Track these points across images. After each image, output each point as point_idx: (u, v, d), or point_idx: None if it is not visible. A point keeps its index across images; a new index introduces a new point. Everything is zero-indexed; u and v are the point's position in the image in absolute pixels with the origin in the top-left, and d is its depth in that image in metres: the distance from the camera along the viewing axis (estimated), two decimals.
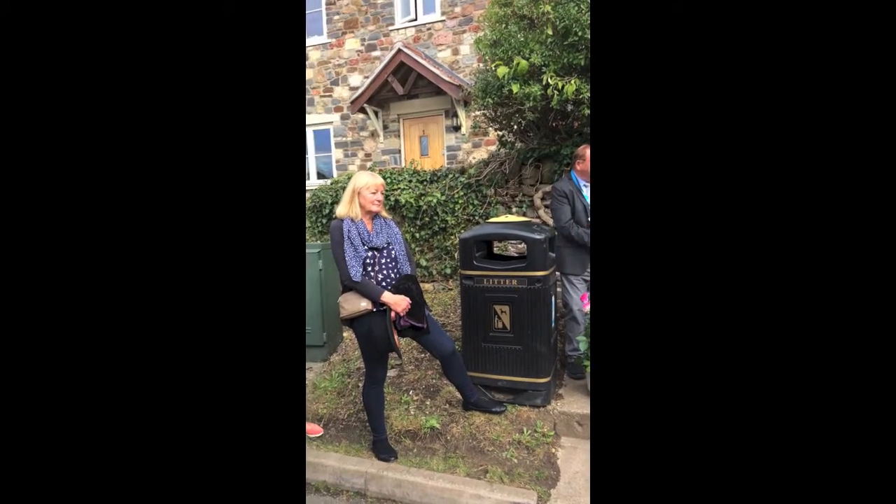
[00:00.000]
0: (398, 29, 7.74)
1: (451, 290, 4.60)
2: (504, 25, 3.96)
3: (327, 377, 3.46)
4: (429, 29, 7.60)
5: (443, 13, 7.49)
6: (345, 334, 4.15)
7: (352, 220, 2.28)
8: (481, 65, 4.41)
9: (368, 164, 8.10)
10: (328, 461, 2.45)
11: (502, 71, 3.68)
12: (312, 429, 2.78)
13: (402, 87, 7.22)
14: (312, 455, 2.52)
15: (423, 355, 3.47)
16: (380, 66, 7.23)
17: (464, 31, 7.39)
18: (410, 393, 3.04)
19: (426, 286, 4.61)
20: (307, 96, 8.37)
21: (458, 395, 2.78)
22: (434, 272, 4.77)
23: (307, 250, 3.79)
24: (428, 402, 2.91)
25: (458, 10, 7.39)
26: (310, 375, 3.53)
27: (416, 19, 7.70)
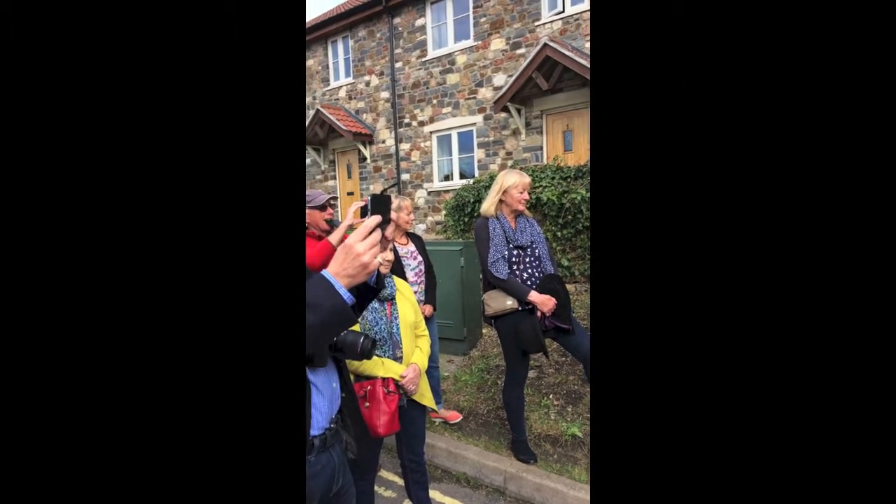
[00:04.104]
0: (544, 23, 7.57)
1: None
2: None
3: (467, 371, 3.55)
4: (577, 20, 7.29)
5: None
6: (483, 330, 4.21)
7: (497, 219, 2.29)
8: None
9: (509, 163, 8.11)
10: (468, 454, 2.51)
11: None
12: (452, 415, 2.89)
13: (546, 82, 7.06)
14: (453, 445, 2.61)
15: (563, 358, 3.34)
16: (524, 63, 7.16)
17: None
18: (551, 397, 2.95)
19: (568, 287, 4.43)
20: (452, 100, 8.72)
21: None
22: (576, 272, 4.57)
23: (450, 248, 3.94)
24: (569, 409, 2.79)
25: None
26: (451, 368, 3.66)
27: (563, 11, 7.45)
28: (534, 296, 2.17)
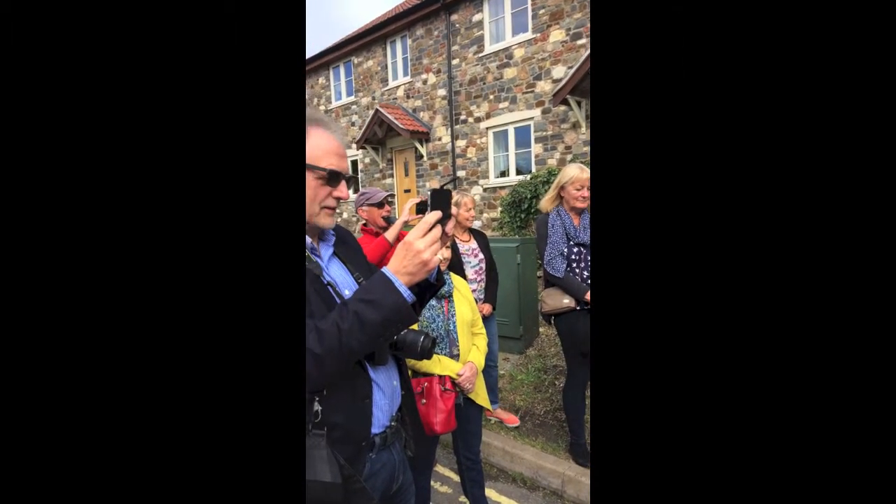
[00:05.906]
0: None
1: None
2: None
3: (523, 370, 3.50)
4: None
5: None
6: (541, 329, 4.14)
7: (558, 215, 2.22)
8: None
9: (568, 157, 7.88)
10: (525, 454, 2.47)
11: None
12: (510, 418, 2.86)
13: None
14: (510, 445, 2.58)
15: None
16: (585, 54, 6.93)
17: None
18: None
19: None
20: (509, 94, 8.60)
21: None
22: None
23: (507, 244, 3.89)
24: None
25: None
26: (507, 366, 3.63)
27: None
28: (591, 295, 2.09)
